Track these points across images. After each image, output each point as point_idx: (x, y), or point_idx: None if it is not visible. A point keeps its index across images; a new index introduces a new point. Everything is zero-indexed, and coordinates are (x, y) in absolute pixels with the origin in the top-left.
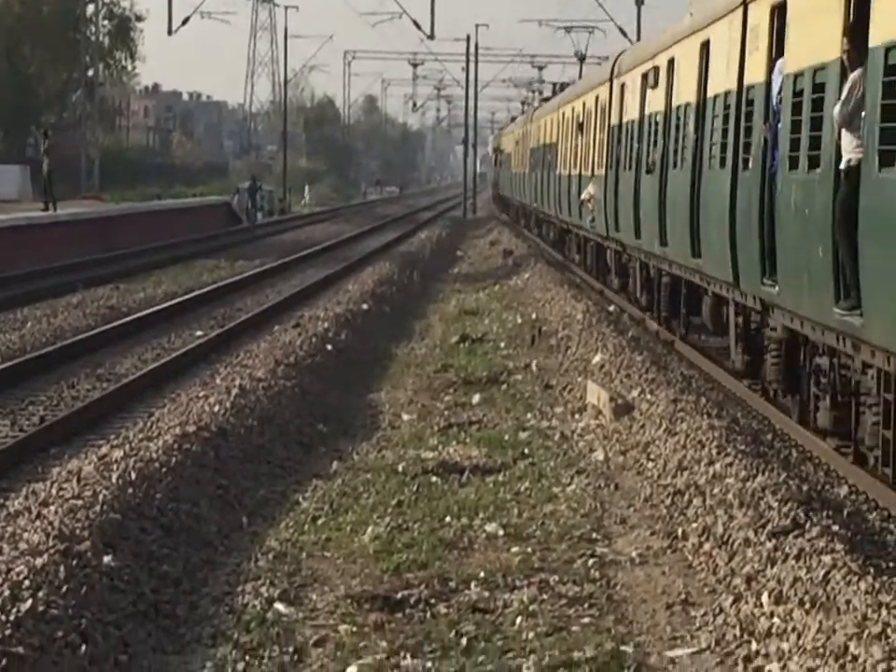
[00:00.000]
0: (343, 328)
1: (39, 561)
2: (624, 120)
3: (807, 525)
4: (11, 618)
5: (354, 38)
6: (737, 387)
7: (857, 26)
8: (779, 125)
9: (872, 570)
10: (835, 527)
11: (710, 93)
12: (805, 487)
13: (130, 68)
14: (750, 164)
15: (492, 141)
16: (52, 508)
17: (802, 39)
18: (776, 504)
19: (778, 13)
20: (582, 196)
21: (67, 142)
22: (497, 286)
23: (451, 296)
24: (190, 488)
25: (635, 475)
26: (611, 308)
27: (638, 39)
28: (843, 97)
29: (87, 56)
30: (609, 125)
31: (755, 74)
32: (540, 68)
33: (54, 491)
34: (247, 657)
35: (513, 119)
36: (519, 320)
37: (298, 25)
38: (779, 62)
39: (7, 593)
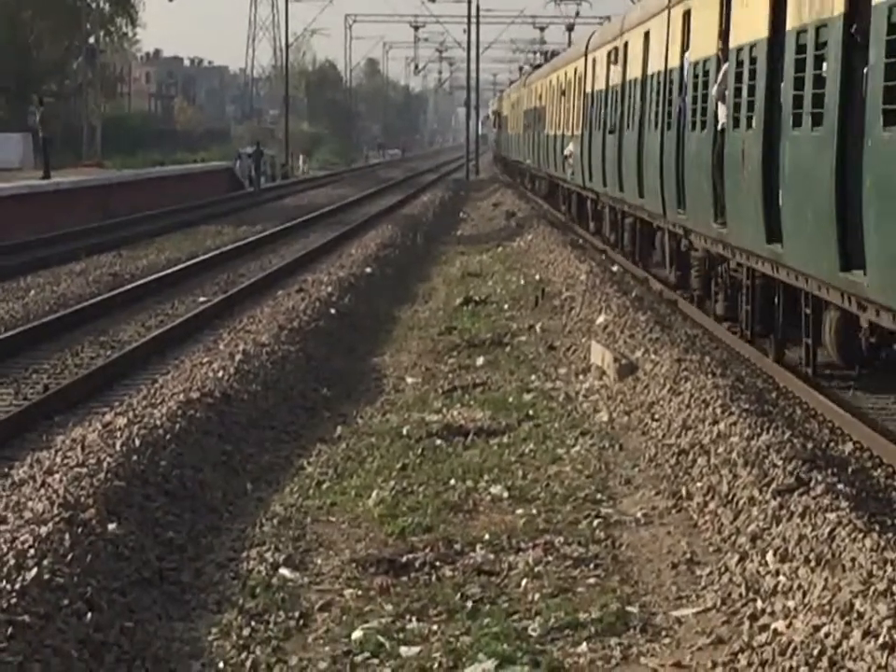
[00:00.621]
0: (347, 292)
1: (44, 529)
2: (595, 89)
3: (812, 483)
4: (17, 587)
5: (355, 1)
6: (742, 346)
7: (725, 33)
8: (686, 98)
9: (877, 527)
10: (840, 485)
11: (650, 72)
12: (809, 445)
13: (131, 35)
14: (671, 126)
15: (492, 104)
16: (57, 476)
17: (697, 39)
18: (780, 462)
19: (686, 18)
20: (564, 152)
21: (69, 109)
22: (500, 247)
23: (454, 258)
24: (195, 454)
25: (639, 435)
26: (615, 268)
27: None
28: (718, 81)
29: (87, 23)
30: (584, 93)
31: (673, 60)
32: (542, 29)
33: (58, 459)
34: (253, 622)
35: (512, 82)
36: (522, 282)
37: None
38: (687, 53)
39: (11, 562)
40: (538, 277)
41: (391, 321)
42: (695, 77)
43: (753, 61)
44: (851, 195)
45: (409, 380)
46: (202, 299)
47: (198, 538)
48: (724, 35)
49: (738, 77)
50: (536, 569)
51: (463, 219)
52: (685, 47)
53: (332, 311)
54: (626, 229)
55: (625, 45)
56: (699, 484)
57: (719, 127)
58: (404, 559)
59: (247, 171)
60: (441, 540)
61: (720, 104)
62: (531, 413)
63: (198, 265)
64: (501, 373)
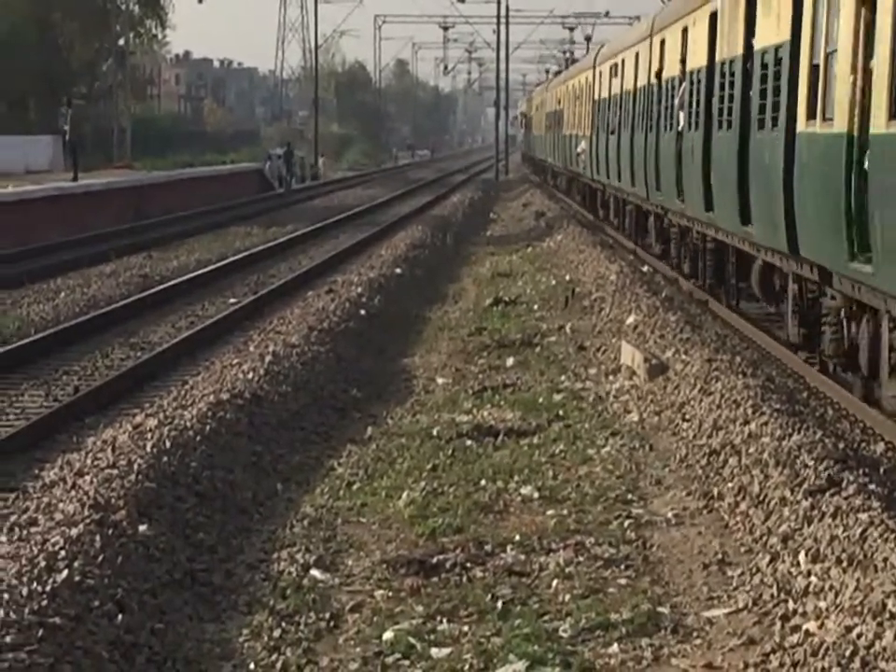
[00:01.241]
0: (377, 292)
1: (75, 531)
2: (601, 97)
3: (844, 483)
4: (48, 588)
5: (384, 2)
6: (772, 345)
7: (684, 60)
8: (661, 107)
9: None
10: (872, 485)
11: (639, 85)
12: (840, 445)
13: (160, 37)
14: (651, 128)
15: (520, 105)
16: (87, 478)
17: (668, 62)
18: (811, 462)
19: (662, 45)
20: (577, 150)
21: (99, 111)
22: (529, 247)
23: (484, 258)
24: (225, 456)
25: (670, 436)
26: (645, 269)
27: None
28: (679, 95)
29: (117, 25)
30: (593, 99)
31: (653, 78)
32: (571, 29)
33: (89, 461)
34: (283, 623)
35: (540, 83)
36: (552, 282)
37: None
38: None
39: (42, 563)
40: (567, 278)
41: (421, 322)
42: (666, 91)
43: (699, 81)
44: (745, 175)
45: (439, 380)
46: (232, 300)
47: (228, 539)
48: (683, 61)
49: (691, 93)
50: (566, 570)
51: (493, 220)
52: (661, 67)
53: (362, 312)
54: (626, 214)
55: (622, 62)
56: (730, 485)
57: (679, 129)
58: (435, 560)
59: (277, 172)
60: (472, 541)
61: (680, 112)
62: (561, 413)
63: (228, 266)
64: (531, 374)
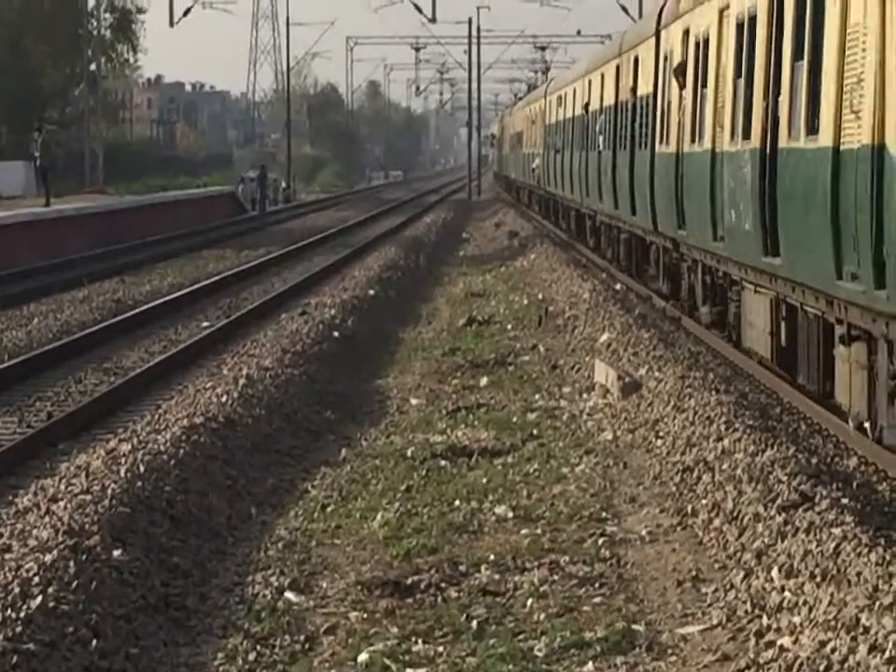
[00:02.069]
0: (350, 314)
1: (49, 557)
2: (550, 122)
3: (817, 498)
4: (21, 615)
5: (356, 24)
6: (745, 362)
7: (601, 97)
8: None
9: (882, 541)
10: (845, 500)
11: (576, 114)
12: (814, 460)
13: (132, 61)
14: (584, 149)
15: (491, 126)
16: (61, 503)
17: (594, 97)
18: (785, 478)
19: (590, 84)
20: (532, 165)
21: (71, 136)
22: (503, 267)
23: (457, 279)
24: (199, 479)
25: (644, 453)
26: (618, 286)
27: (640, 16)
28: (599, 123)
29: (89, 50)
30: (544, 123)
31: (594, 105)
32: (543, 49)
33: (63, 486)
34: (258, 646)
35: (510, 104)
36: (526, 301)
37: (299, 12)
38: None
39: (16, 590)
40: (541, 296)
41: (395, 343)
42: (592, 120)
43: (609, 114)
44: (633, 181)
45: (413, 401)
46: (205, 324)
47: (203, 563)
48: (601, 98)
49: (605, 122)
50: (541, 589)
51: (466, 240)
52: (588, 101)
53: (336, 333)
54: (569, 217)
55: (565, 94)
56: (704, 501)
57: (599, 149)
58: (409, 581)
59: (250, 195)
60: (447, 562)
61: (599, 136)
62: (535, 432)
63: (201, 290)
64: (505, 393)
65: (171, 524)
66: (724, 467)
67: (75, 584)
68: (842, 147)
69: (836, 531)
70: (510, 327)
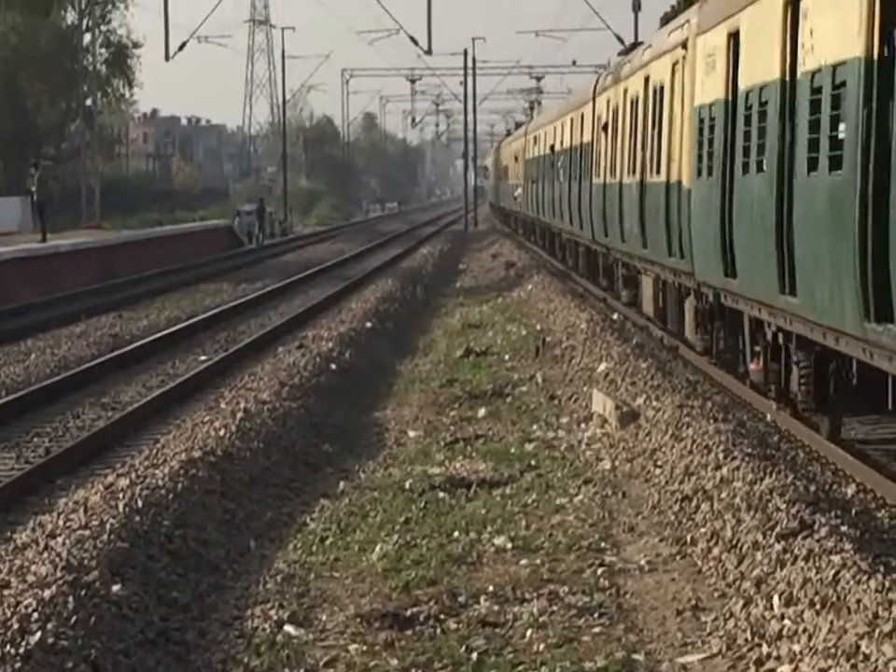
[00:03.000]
0: (347, 346)
1: (48, 593)
2: (528, 157)
3: (816, 526)
4: (21, 650)
5: (351, 56)
6: (743, 390)
7: (561, 142)
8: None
9: (881, 569)
10: (844, 527)
11: (545, 152)
12: (812, 488)
13: (128, 95)
14: (552, 180)
15: (487, 157)
16: (60, 539)
17: (557, 140)
18: (783, 506)
19: (561, 128)
20: (515, 193)
21: (67, 171)
22: (500, 298)
23: (454, 310)
24: (197, 513)
25: (642, 482)
26: (615, 316)
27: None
28: (561, 161)
29: (85, 85)
30: (524, 158)
31: (558, 147)
32: (538, 79)
33: (61, 522)
34: None
35: (506, 136)
36: (523, 332)
37: (295, 46)
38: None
39: (15, 626)
40: (538, 327)
41: (392, 375)
42: (556, 157)
43: (566, 153)
44: (581, 201)
45: (411, 433)
46: (202, 357)
47: (202, 597)
48: (561, 142)
49: (564, 160)
50: (541, 619)
51: (462, 271)
52: (554, 143)
53: (333, 366)
54: (544, 235)
55: (538, 135)
56: (703, 530)
57: (560, 180)
58: (409, 613)
59: (246, 228)
60: (446, 593)
61: (560, 170)
62: (533, 462)
63: (198, 324)
64: (503, 424)
65: (170, 558)
66: (723, 495)
67: (74, 620)
68: (669, 181)
69: (835, 558)
70: (507, 357)
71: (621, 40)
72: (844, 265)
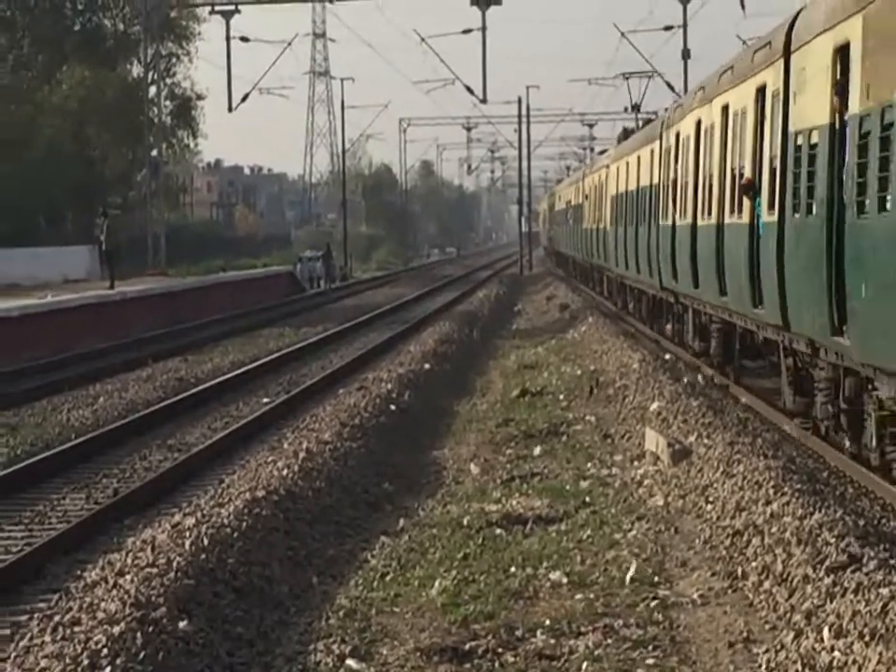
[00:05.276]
0: (406, 388)
1: (116, 629)
2: (557, 208)
3: (864, 559)
4: None
5: (409, 106)
6: (792, 427)
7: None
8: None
9: None
10: (892, 560)
11: (568, 205)
12: (861, 522)
13: (192, 146)
14: (574, 223)
15: (541, 202)
16: (128, 577)
17: (567, 196)
18: (833, 540)
19: (581, 186)
20: (546, 235)
21: (133, 220)
22: (554, 339)
23: (510, 351)
24: (261, 551)
25: (694, 518)
26: (667, 356)
27: (685, 91)
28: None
29: (150, 136)
30: (552, 211)
31: (574, 201)
32: (591, 126)
33: (129, 560)
34: None
35: (559, 181)
36: (577, 372)
37: (354, 96)
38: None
39: (86, 661)
40: (592, 367)
41: (450, 415)
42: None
43: (571, 207)
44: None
45: (469, 471)
46: (265, 400)
47: (266, 632)
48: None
49: (562, 215)
50: (596, 652)
51: (518, 313)
52: (578, 197)
53: (392, 407)
54: (580, 270)
55: (576, 190)
56: (754, 564)
57: (584, 225)
58: (467, 647)
59: (307, 274)
60: (503, 627)
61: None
62: (588, 499)
63: (261, 367)
64: (558, 462)
65: (235, 594)
66: (773, 530)
67: (142, 655)
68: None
69: (884, 591)
70: (562, 397)
71: (671, 87)
72: None
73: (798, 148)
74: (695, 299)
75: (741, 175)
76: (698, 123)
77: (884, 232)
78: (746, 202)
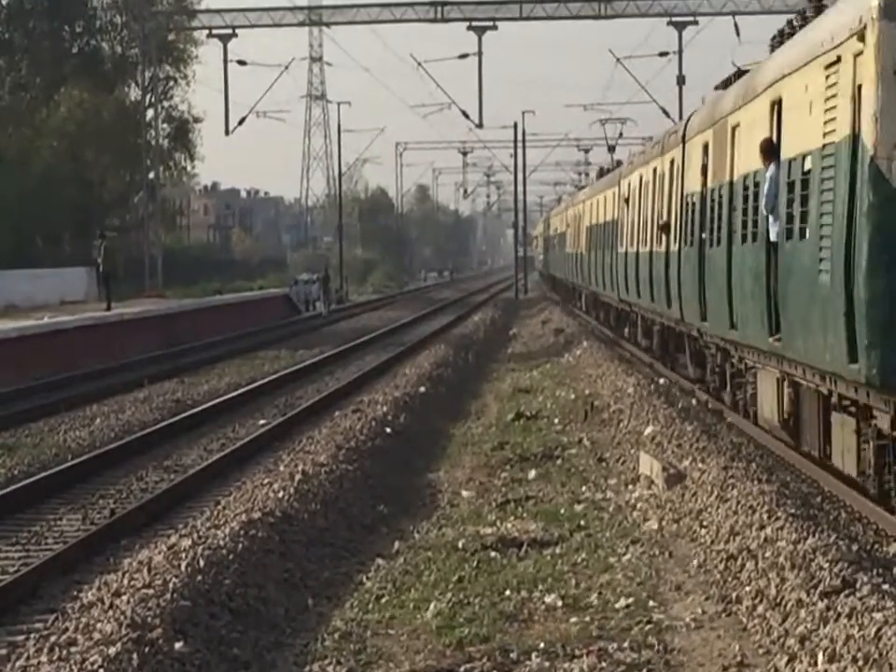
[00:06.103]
0: (402, 410)
1: (113, 650)
2: (550, 234)
3: (858, 584)
4: None
5: (405, 130)
6: (786, 452)
7: (546, 229)
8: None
9: None
10: (885, 585)
11: (556, 231)
12: (854, 547)
13: (189, 169)
14: (563, 248)
15: (536, 227)
16: (124, 597)
17: (556, 225)
18: (826, 565)
19: (568, 214)
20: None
21: (130, 242)
22: (549, 363)
23: (505, 375)
24: (257, 573)
25: (688, 542)
26: (662, 381)
27: (680, 118)
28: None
29: (148, 159)
30: (545, 236)
31: (560, 229)
32: (586, 151)
33: (125, 581)
34: None
35: (554, 206)
36: (572, 396)
37: (350, 120)
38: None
39: None
40: (586, 391)
41: (445, 438)
42: (556, 237)
43: (559, 234)
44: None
45: (464, 494)
46: (261, 422)
47: (262, 653)
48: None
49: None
50: None
51: (513, 337)
52: (563, 225)
53: (388, 430)
54: (566, 290)
55: (560, 219)
56: (748, 588)
57: (566, 250)
58: (462, 669)
59: (303, 296)
60: (498, 650)
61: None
62: (582, 523)
63: (257, 389)
64: (553, 486)
65: (230, 616)
66: (767, 554)
67: None
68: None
69: (878, 616)
70: (556, 421)
71: (666, 113)
72: None
73: (688, 204)
74: (640, 306)
75: (662, 218)
76: (641, 178)
77: (718, 258)
78: (664, 236)
